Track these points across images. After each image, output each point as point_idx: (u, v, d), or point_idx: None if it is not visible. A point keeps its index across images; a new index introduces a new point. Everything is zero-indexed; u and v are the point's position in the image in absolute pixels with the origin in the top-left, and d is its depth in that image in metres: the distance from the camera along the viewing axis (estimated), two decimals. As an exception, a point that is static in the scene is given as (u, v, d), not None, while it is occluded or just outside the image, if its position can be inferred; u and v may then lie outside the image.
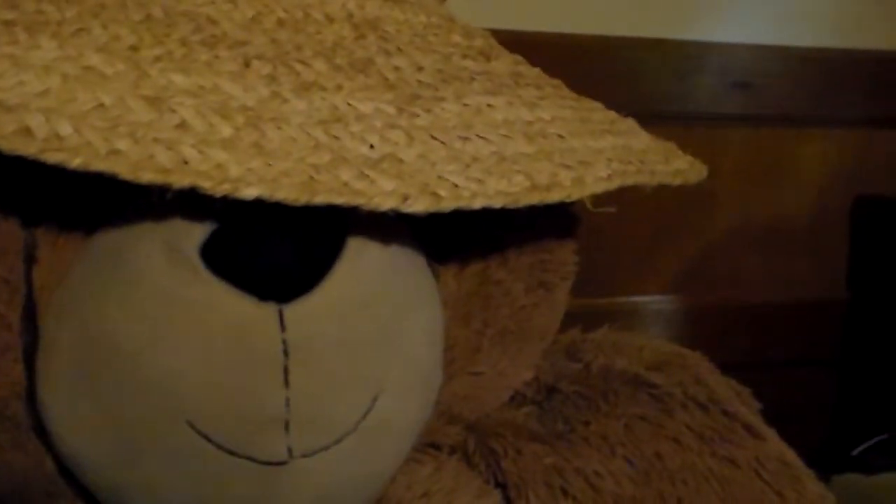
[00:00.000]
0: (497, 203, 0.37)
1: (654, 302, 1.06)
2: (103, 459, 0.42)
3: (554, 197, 0.39)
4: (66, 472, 0.44)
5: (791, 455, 0.52)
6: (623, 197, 0.43)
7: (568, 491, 0.50)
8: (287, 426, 0.38)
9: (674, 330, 1.06)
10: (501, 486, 0.51)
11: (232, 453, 0.39)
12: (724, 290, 1.08)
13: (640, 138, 0.47)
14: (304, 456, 0.40)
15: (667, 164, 0.46)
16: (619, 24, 0.99)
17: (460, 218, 0.38)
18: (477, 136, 0.40)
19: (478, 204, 0.37)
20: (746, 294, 1.09)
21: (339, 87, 0.39)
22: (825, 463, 0.85)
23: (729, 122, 1.05)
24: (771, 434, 0.53)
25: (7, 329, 0.41)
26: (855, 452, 1.05)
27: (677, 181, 0.45)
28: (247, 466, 0.39)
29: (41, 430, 0.43)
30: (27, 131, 0.33)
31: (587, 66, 0.94)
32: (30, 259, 0.41)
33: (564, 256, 0.51)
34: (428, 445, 0.51)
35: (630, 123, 0.49)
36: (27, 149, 0.32)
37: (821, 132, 1.08)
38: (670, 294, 1.06)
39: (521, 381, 0.53)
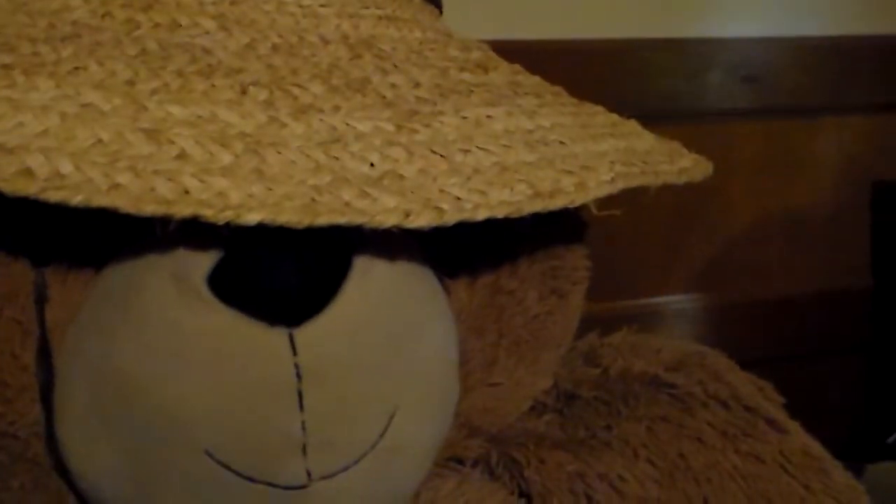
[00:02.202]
0: (500, 213, 0.37)
1: (675, 302, 1.06)
2: (123, 494, 0.42)
3: (557, 203, 0.39)
4: None
5: (816, 447, 0.52)
6: (637, 198, 0.43)
7: (592, 497, 0.49)
8: (304, 450, 0.39)
9: (697, 329, 1.06)
10: (526, 496, 0.51)
11: (252, 480, 0.39)
12: (745, 285, 1.08)
13: (643, 139, 0.47)
14: (324, 478, 0.40)
15: (671, 163, 0.45)
16: (624, 27, 0.99)
17: (468, 230, 0.38)
18: (477, 147, 0.40)
19: (481, 215, 0.37)
20: (768, 288, 1.09)
21: (337, 108, 0.39)
22: (860, 453, 0.84)
23: (741, 116, 1.05)
24: (795, 427, 0.52)
25: (23, 370, 0.42)
26: (890, 440, 1.04)
27: (682, 180, 0.45)
28: (267, 492, 0.40)
29: (62, 469, 0.43)
30: (28, 172, 0.33)
31: (595, 71, 0.94)
32: (41, 299, 0.41)
33: (575, 262, 0.50)
34: (450, 459, 0.51)
35: (633, 125, 0.49)
36: (29, 189, 0.33)
37: (835, 120, 1.08)
38: (691, 293, 1.06)
39: (539, 390, 0.52)
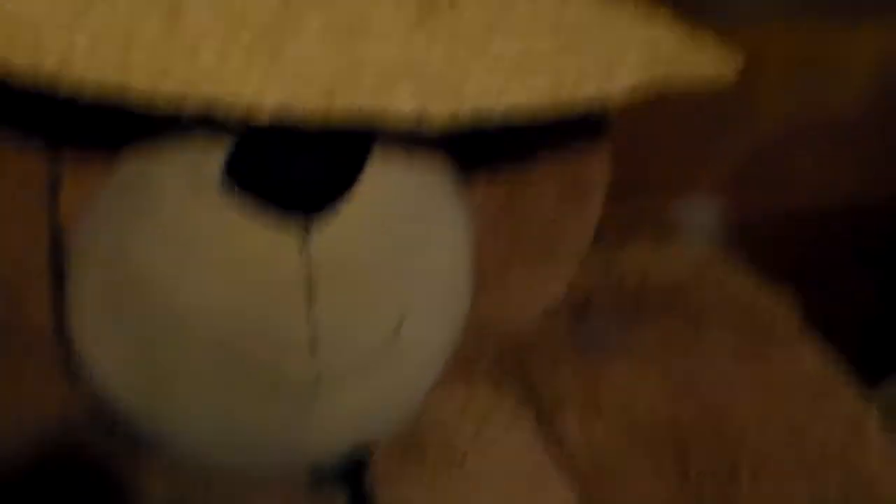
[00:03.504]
0: (521, 105, 0.36)
1: (697, 207, 1.05)
2: (134, 388, 0.42)
3: (581, 94, 0.38)
4: (102, 404, 0.44)
5: (830, 363, 0.52)
6: (663, 99, 0.42)
7: (602, 407, 0.49)
8: (314, 348, 0.38)
9: (719, 237, 1.05)
10: (535, 403, 0.51)
11: (261, 378, 0.39)
12: (771, 193, 1.06)
13: (671, 33, 0.45)
14: (333, 378, 0.40)
15: (699, 59, 0.44)
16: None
17: (487, 128, 0.36)
18: (500, 36, 0.38)
19: (501, 108, 0.36)
20: (796, 198, 1.07)
21: None
22: (879, 370, 0.84)
23: (775, 15, 1.02)
24: (809, 342, 0.52)
25: (35, 260, 0.41)
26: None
27: (710, 76, 0.44)
28: (276, 390, 0.39)
29: (73, 364, 0.43)
30: (39, 49, 0.32)
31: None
32: (56, 187, 0.41)
33: (595, 166, 0.49)
34: (461, 364, 0.51)
35: (662, 19, 0.47)
36: (40, 70, 0.32)
37: (872, 22, 1.05)
38: (714, 199, 1.05)
39: (553, 296, 0.52)
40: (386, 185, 0.39)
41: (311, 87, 0.33)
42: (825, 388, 0.51)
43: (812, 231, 1.07)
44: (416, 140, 0.40)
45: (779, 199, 1.06)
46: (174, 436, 0.44)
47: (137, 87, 0.32)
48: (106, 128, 0.40)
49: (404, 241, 0.40)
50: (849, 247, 1.08)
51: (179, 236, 0.38)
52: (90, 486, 0.45)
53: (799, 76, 1.03)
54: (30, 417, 0.44)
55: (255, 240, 0.37)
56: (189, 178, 0.38)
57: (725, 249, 0.57)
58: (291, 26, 0.35)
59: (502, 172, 0.47)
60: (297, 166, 0.37)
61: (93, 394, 0.44)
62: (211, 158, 0.37)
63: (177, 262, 0.38)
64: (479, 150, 0.46)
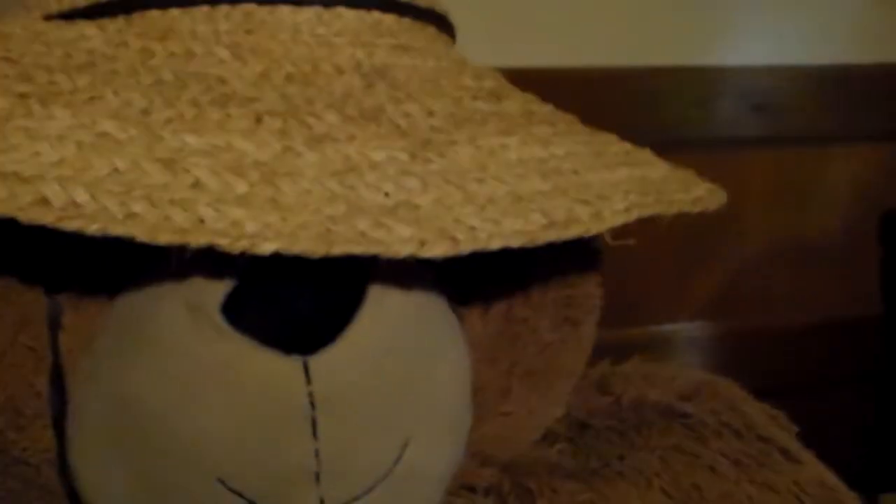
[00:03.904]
0: (515, 243, 0.37)
1: (685, 329, 1.06)
2: None
3: (572, 233, 0.39)
4: None
5: (831, 477, 0.52)
6: (648, 225, 0.43)
7: (607, 527, 0.49)
8: (318, 478, 0.38)
9: (707, 357, 1.05)
10: (538, 526, 0.51)
11: None
12: (755, 313, 1.08)
13: (657, 168, 0.47)
14: None
15: (685, 192, 0.45)
16: (635, 54, 0.99)
17: (482, 259, 0.38)
18: (491, 177, 0.40)
19: (495, 245, 0.37)
20: (779, 317, 1.08)
21: (352, 137, 0.39)
22: (872, 483, 0.83)
23: (751, 145, 1.05)
24: (809, 457, 0.52)
25: (36, 396, 0.42)
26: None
27: (697, 209, 0.45)
28: None
29: (73, 496, 0.43)
30: (44, 201, 0.33)
31: (606, 99, 0.94)
32: (55, 325, 0.41)
33: (589, 290, 0.50)
34: (463, 488, 0.51)
35: (647, 154, 0.49)
36: (45, 218, 0.33)
37: (845, 149, 1.08)
38: (702, 321, 1.06)
39: (552, 419, 0.52)
40: (384, 316, 0.39)
41: (306, 233, 0.34)
42: (829, 501, 0.51)
43: (792, 348, 1.07)
44: (412, 272, 0.41)
45: (762, 318, 1.07)
46: None
47: (137, 238, 0.33)
48: (103, 266, 0.41)
49: (404, 369, 0.40)
50: (827, 364, 1.09)
51: (179, 371, 0.38)
52: None
53: (775, 201, 1.05)
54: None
55: (256, 374, 0.37)
56: (188, 314, 0.38)
57: (714, 368, 0.57)
58: (286, 171, 0.36)
59: (497, 302, 0.48)
60: (295, 304, 0.38)
61: None
62: (210, 295, 0.38)
63: (178, 396, 0.38)
64: (474, 281, 0.47)
